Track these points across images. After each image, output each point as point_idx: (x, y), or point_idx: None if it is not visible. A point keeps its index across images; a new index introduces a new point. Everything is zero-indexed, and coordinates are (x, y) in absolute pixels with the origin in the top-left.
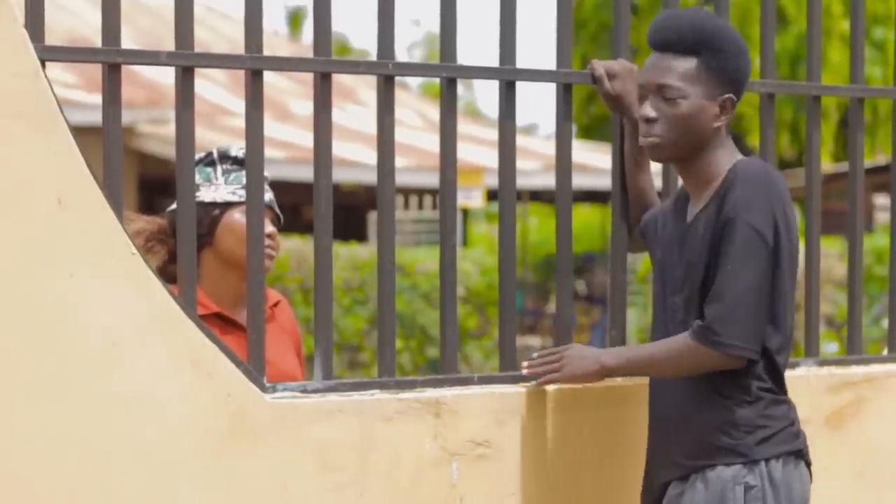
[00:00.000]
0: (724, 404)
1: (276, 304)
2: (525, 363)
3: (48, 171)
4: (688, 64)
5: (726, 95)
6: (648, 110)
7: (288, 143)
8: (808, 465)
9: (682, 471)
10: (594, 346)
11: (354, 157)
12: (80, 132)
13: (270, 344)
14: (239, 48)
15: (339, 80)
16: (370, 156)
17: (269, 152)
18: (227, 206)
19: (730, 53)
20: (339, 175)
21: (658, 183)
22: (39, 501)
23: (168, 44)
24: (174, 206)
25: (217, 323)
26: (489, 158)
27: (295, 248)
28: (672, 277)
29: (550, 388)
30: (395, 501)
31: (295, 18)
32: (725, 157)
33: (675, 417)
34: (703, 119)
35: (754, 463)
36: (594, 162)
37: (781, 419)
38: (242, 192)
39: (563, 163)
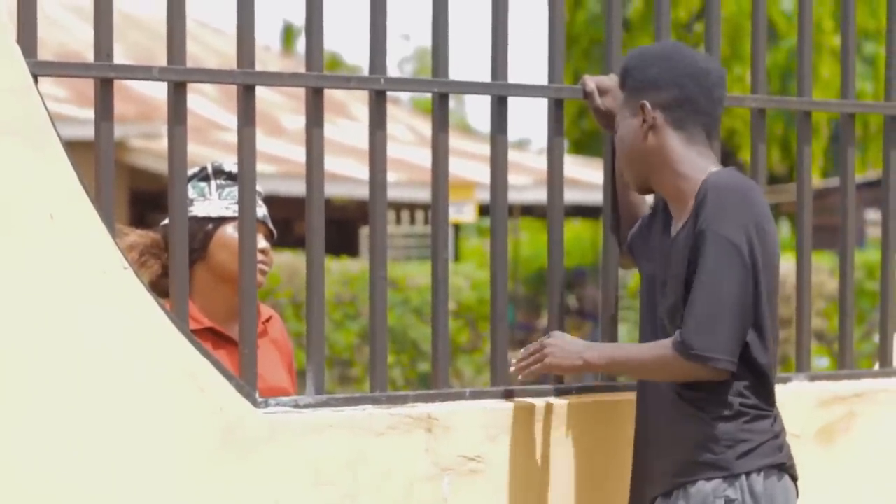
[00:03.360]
0: (704, 419)
1: (268, 320)
2: (513, 363)
3: (40, 185)
4: (622, 95)
5: (640, 102)
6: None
7: (280, 158)
8: (794, 479)
9: (665, 486)
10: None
11: (346, 172)
12: (70, 146)
13: (262, 359)
14: (231, 63)
15: (331, 95)
16: (362, 170)
17: (260, 167)
18: (221, 220)
19: (639, 67)
20: (331, 190)
21: (649, 198)
22: None
23: (160, 59)
24: (168, 220)
25: (209, 337)
26: (481, 173)
27: (286, 263)
28: (658, 290)
29: (542, 402)
30: None
31: (288, 34)
32: (694, 167)
33: (659, 433)
34: (631, 134)
35: (735, 477)
36: (586, 177)
37: (763, 433)
38: (236, 207)
39: (555, 178)
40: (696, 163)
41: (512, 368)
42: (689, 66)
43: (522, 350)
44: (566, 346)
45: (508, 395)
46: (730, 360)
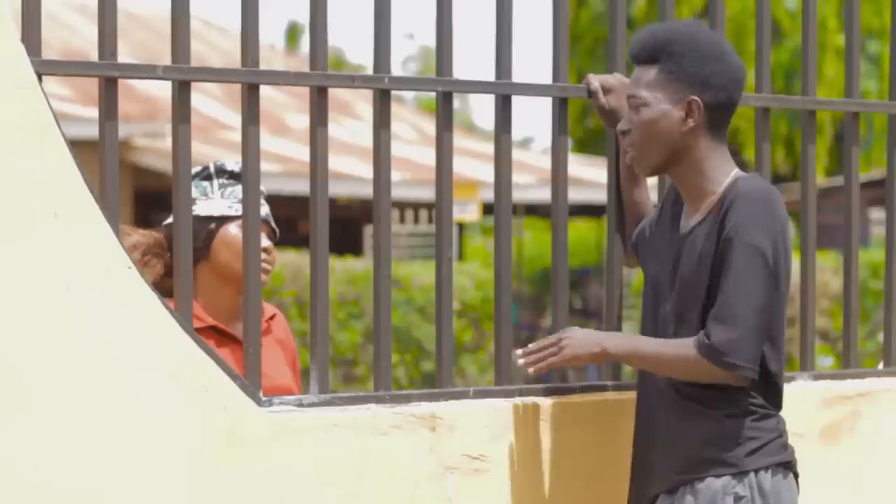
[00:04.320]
0: (713, 417)
1: (271, 318)
2: (519, 352)
3: (44, 184)
4: (650, 72)
5: (690, 97)
6: (622, 123)
7: (284, 157)
8: (797, 476)
9: (671, 484)
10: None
11: (350, 171)
12: (74, 145)
13: (266, 358)
14: (235, 62)
15: (336, 94)
16: (366, 169)
17: (264, 166)
18: (224, 220)
19: (692, 57)
20: (335, 189)
21: (654, 197)
22: None
23: (164, 57)
24: (170, 219)
25: (213, 336)
26: (485, 172)
27: (290, 262)
28: (665, 287)
29: (545, 402)
30: None
31: (293, 33)
32: (717, 168)
33: (663, 431)
34: (668, 124)
35: (744, 474)
36: (590, 176)
37: (770, 431)
38: (239, 207)
39: (559, 176)
40: (719, 163)
41: (521, 361)
42: (737, 71)
43: (531, 345)
44: (584, 336)
45: (513, 395)
46: (754, 369)
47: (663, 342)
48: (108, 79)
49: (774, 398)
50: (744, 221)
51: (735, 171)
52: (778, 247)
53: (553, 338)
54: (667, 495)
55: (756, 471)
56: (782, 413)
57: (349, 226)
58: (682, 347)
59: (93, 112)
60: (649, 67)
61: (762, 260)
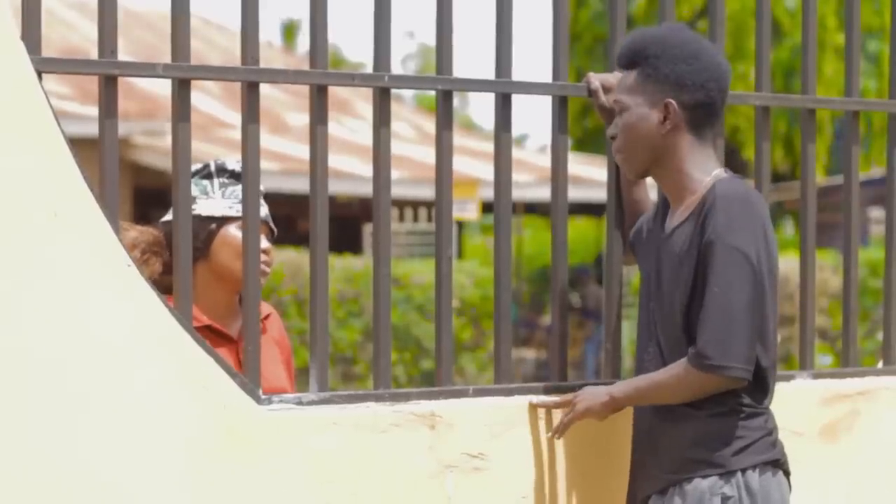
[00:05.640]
0: (699, 417)
1: (266, 317)
2: (548, 434)
3: (44, 182)
4: (631, 77)
5: (666, 100)
6: (611, 128)
7: (284, 155)
8: (787, 474)
9: (661, 484)
10: (589, 359)
11: (350, 169)
12: (73, 143)
13: (263, 357)
14: (234, 60)
15: (335, 92)
16: (366, 168)
17: (264, 164)
18: (224, 220)
19: (666, 59)
20: (335, 187)
21: (653, 195)
22: None
23: (164, 55)
24: (168, 217)
25: (209, 335)
26: (484, 171)
27: (290, 260)
28: (653, 286)
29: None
30: None
31: (289, 30)
32: (700, 167)
33: (653, 432)
34: (647, 126)
35: (731, 474)
36: (589, 174)
37: (757, 430)
38: (239, 207)
39: (559, 175)
40: (702, 163)
41: (549, 436)
42: (715, 69)
43: (550, 403)
44: (593, 390)
45: (512, 393)
46: (744, 368)
47: (658, 371)
48: (107, 77)
49: (763, 396)
50: (724, 224)
51: (717, 171)
52: (760, 246)
53: (569, 396)
54: (658, 496)
55: (743, 470)
56: (781, 412)
57: (348, 224)
58: (675, 367)
59: (92, 110)
60: (630, 72)
61: (745, 261)
